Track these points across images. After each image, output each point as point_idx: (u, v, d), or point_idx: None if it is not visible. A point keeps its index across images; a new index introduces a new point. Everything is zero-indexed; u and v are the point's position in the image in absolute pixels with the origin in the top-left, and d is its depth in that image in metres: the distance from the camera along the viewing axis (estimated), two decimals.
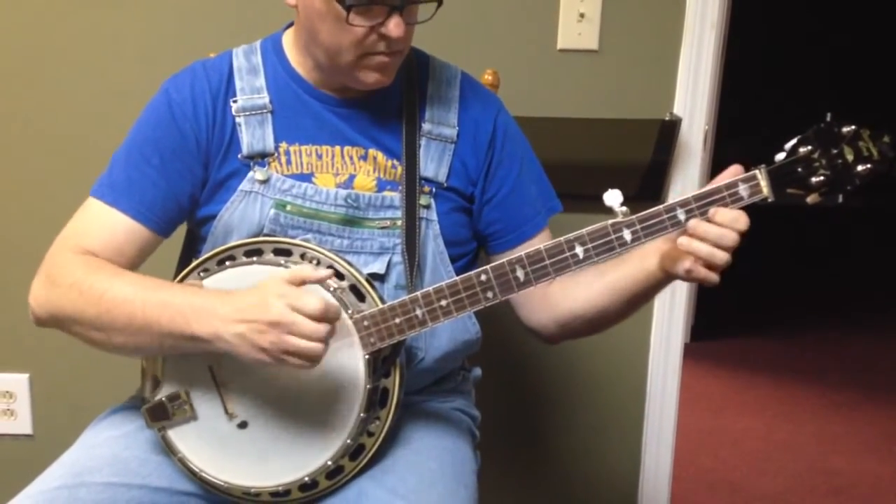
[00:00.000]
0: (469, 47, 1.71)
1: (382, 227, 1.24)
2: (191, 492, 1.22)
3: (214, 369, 1.18)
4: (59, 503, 1.12)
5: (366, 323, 1.12)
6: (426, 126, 1.26)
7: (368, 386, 1.13)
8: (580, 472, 1.98)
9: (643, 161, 1.76)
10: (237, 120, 1.24)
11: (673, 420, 1.95)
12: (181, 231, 1.32)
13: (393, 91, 1.26)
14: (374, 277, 1.21)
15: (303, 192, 1.23)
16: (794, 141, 1.07)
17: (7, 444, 1.98)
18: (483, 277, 1.11)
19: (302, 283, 1.08)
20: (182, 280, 1.19)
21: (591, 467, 1.98)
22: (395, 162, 1.26)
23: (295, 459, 1.17)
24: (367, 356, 1.13)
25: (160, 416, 1.19)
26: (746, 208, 1.07)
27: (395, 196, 1.24)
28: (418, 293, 1.12)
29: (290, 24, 1.29)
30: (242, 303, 1.07)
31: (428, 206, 1.25)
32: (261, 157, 1.24)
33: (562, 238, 1.10)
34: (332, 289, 1.13)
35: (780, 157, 1.07)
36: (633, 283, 1.18)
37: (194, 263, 1.20)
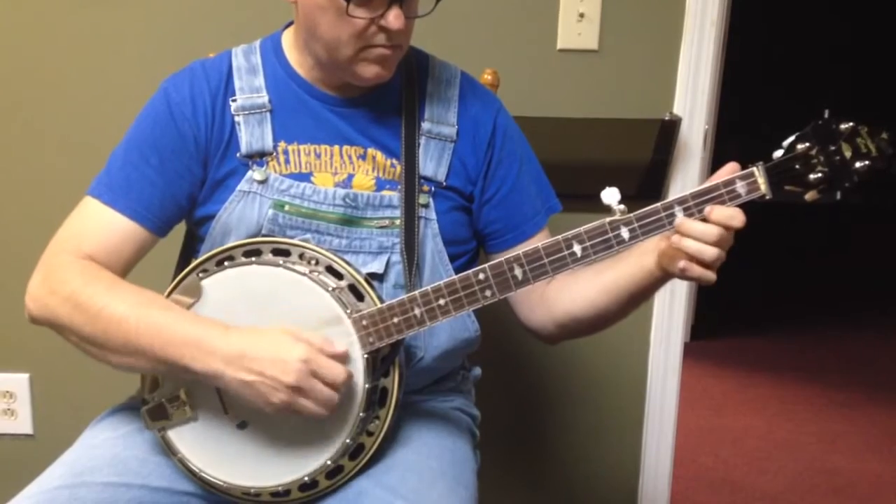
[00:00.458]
0: (469, 47, 1.71)
1: (381, 227, 1.24)
2: (191, 492, 1.22)
3: None
4: (60, 503, 1.12)
5: (364, 322, 1.12)
6: (425, 125, 1.26)
7: (367, 385, 1.13)
8: (580, 471, 1.98)
9: (643, 161, 1.76)
10: (236, 119, 1.24)
11: (673, 419, 1.95)
12: (180, 231, 1.32)
13: (392, 90, 1.26)
14: (372, 277, 1.21)
15: (301, 191, 1.23)
16: (791, 138, 1.06)
17: (7, 444, 1.98)
18: (481, 276, 1.11)
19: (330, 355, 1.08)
20: (182, 280, 1.19)
21: (591, 466, 1.98)
22: (394, 161, 1.25)
23: (294, 459, 1.16)
24: (365, 356, 1.13)
25: (160, 416, 1.19)
26: (746, 206, 1.07)
27: (393, 195, 1.24)
28: (417, 292, 1.12)
29: (290, 24, 1.29)
30: (253, 351, 1.07)
31: (427, 206, 1.25)
32: (259, 157, 1.24)
33: (559, 236, 1.10)
34: (330, 288, 1.13)
35: (778, 154, 1.06)
36: (631, 281, 1.17)
37: (193, 264, 1.19)
